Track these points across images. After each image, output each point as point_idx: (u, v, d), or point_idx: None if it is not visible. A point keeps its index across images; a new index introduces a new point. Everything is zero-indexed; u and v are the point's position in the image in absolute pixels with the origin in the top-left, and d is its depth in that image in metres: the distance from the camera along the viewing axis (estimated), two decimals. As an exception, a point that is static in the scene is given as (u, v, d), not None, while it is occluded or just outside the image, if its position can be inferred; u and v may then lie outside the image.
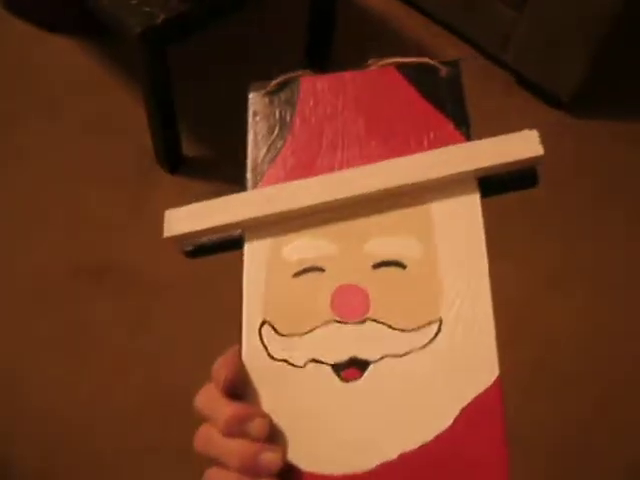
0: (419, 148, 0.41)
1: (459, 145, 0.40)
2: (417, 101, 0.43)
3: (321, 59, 1.94)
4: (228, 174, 1.75)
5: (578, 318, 1.56)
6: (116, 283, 1.56)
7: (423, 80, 0.43)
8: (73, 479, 1.32)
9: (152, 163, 1.75)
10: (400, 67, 0.44)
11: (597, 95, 1.97)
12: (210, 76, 1.95)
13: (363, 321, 0.37)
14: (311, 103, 0.44)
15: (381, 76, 0.44)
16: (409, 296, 0.38)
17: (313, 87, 0.44)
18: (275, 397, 0.37)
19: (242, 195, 0.42)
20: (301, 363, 0.37)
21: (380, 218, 0.39)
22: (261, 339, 0.38)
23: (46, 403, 1.39)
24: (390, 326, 0.37)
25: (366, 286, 0.38)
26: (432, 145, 0.41)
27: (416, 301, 0.38)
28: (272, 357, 0.38)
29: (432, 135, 0.41)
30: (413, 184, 0.39)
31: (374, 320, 0.37)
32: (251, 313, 0.39)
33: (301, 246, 0.40)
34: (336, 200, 0.40)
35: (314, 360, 0.37)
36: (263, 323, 0.39)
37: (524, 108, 1.93)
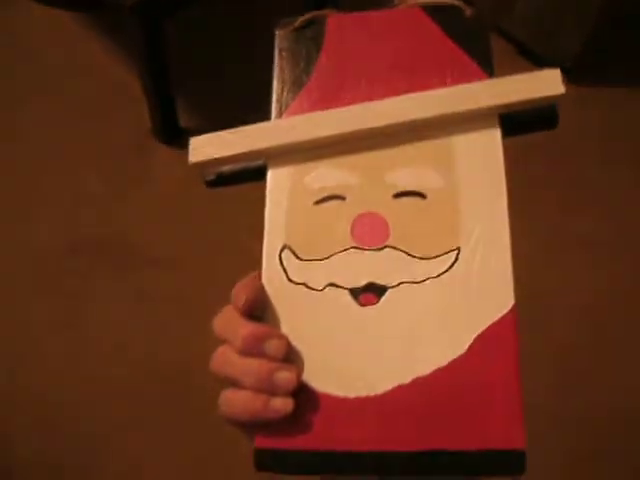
0: (442, 84, 0.41)
1: (482, 82, 0.41)
2: (442, 40, 0.43)
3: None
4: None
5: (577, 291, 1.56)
6: (116, 257, 1.56)
7: (448, 20, 0.43)
8: (73, 458, 1.32)
9: (149, 136, 1.73)
10: (426, 7, 0.44)
11: (599, 62, 1.95)
12: (207, 44, 1.92)
13: (382, 248, 0.38)
14: (337, 40, 0.44)
15: (407, 15, 0.44)
16: (428, 225, 0.38)
17: (339, 25, 0.45)
18: (293, 319, 0.38)
19: (266, 124, 0.42)
20: (319, 287, 0.38)
21: (402, 150, 0.40)
22: (281, 263, 0.39)
23: (46, 380, 1.39)
24: (408, 253, 0.37)
25: (386, 215, 0.38)
26: (455, 82, 0.41)
27: (435, 230, 0.38)
28: (291, 280, 0.38)
29: (456, 73, 0.41)
30: (435, 117, 0.39)
31: (393, 247, 0.37)
32: (272, 238, 0.40)
33: (323, 175, 0.40)
34: (359, 131, 0.40)
35: (332, 284, 0.37)
36: (284, 248, 0.39)
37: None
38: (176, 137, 1.72)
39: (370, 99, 0.41)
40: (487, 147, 0.40)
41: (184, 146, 1.68)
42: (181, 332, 1.45)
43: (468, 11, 0.43)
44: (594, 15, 1.70)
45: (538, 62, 1.92)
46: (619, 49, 2.00)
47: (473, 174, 0.39)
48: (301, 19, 0.46)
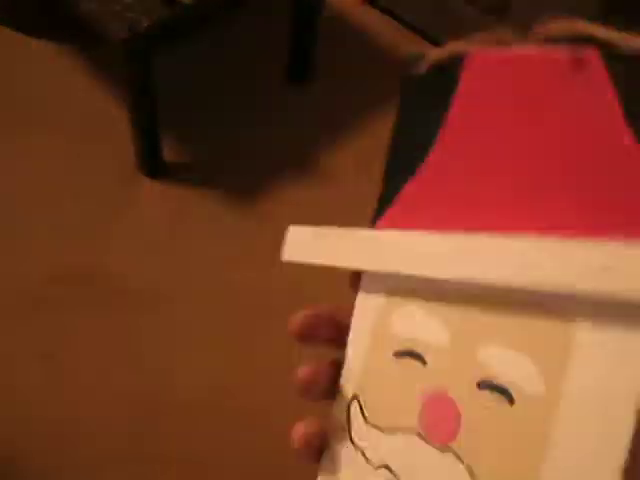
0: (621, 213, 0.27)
1: None
2: (619, 118, 0.28)
3: (303, 69, 1.96)
4: (208, 179, 1.77)
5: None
6: (99, 290, 1.56)
7: (630, 79, 0.28)
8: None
9: (133, 169, 1.75)
10: (604, 51, 0.28)
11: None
12: (192, 84, 1.95)
13: (445, 448, 0.31)
14: (471, 100, 0.31)
15: (578, 64, 0.28)
16: (504, 444, 0.29)
17: (477, 75, 0.31)
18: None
19: (364, 234, 0.34)
20: (375, 463, 0.34)
21: (510, 319, 0.29)
22: (348, 416, 0.35)
23: (23, 411, 1.39)
24: (471, 472, 0.30)
25: (463, 406, 0.31)
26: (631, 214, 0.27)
27: (510, 454, 0.28)
28: (352, 441, 0.34)
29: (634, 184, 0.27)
30: (571, 292, 0.26)
31: (457, 456, 0.30)
32: (346, 380, 0.35)
33: (412, 318, 0.33)
34: (469, 280, 0.29)
35: (387, 467, 0.33)
36: (353, 398, 0.35)
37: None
38: (161, 171, 1.74)
39: (503, 215, 0.29)
40: (627, 357, 0.25)
41: (168, 180, 1.72)
42: (162, 365, 1.45)
43: None
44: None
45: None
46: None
47: (590, 392, 0.26)
48: (432, 58, 0.33)
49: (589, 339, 0.26)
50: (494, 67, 0.30)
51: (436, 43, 2.10)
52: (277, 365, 1.49)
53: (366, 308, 0.35)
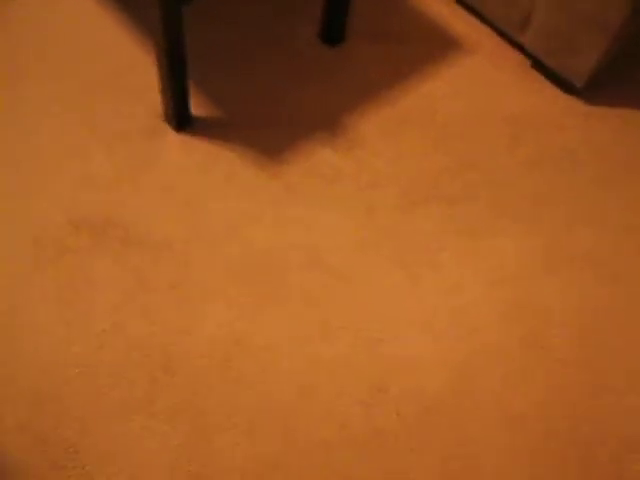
0: None
1: None
2: None
3: (337, 31, 1.93)
4: (231, 136, 1.76)
5: (579, 300, 1.57)
6: (118, 239, 1.57)
7: None
8: (60, 433, 1.34)
9: (159, 121, 1.74)
10: None
11: (611, 82, 1.96)
12: (223, 39, 1.93)
13: None
14: None
15: None
16: None
17: None
18: None
19: None
20: None
21: None
22: None
23: (40, 357, 1.41)
24: None
25: None
26: None
27: None
28: None
29: None
30: None
31: None
32: None
33: None
34: None
35: None
36: None
37: (537, 90, 1.91)
38: (187, 124, 1.73)
39: None
40: None
41: (194, 133, 1.71)
42: (177, 317, 1.46)
43: None
44: (610, 35, 1.70)
45: (550, 77, 1.92)
46: (633, 69, 2.01)
47: None
48: None
49: None
50: None
51: (483, 21, 2.06)
52: (292, 319, 1.50)
53: None
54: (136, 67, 1.85)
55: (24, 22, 1.92)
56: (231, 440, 1.35)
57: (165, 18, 1.45)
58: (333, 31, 1.92)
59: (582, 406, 1.45)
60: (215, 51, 1.91)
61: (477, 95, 1.90)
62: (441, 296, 1.56)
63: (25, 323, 1.44)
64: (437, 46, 1.99)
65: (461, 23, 2.05)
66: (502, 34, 2.03)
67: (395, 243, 1.62)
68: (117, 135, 1.72)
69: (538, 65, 1.95)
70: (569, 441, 1.41)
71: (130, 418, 1.36)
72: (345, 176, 1.71)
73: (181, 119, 1.72)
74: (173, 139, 1.72)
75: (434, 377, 1.45)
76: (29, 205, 1.60)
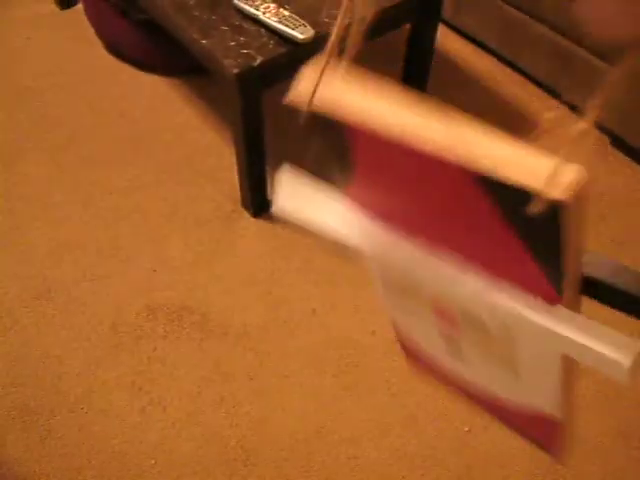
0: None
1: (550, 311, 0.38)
2: (499, 227, 0.35)
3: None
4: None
5: None
6: (194, 326, 1.55)
7: (512, 205, 0.33)
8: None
9: (236, 206, 1.75)
10: (486, 179, 0.33)
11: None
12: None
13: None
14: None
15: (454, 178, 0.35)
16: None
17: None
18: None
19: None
20: None
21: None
22: None
23: (114, 445, 1.38)
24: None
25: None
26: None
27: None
28: None
29: (514, 277, 0.37)
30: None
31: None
32: None
33: None
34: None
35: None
36: None
37: (617, 168, 1.87)
38: (264, 210, 1.74)
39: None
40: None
41: (271, 219, 1.69)
42: (254, 408, 1.42)
43: (539, 204, 0.32)
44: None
45: (631, 154, 1.88)
46: None
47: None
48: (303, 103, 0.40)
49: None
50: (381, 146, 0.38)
51: (556, 96, 2.05)
52: (375, 410, 1.43)
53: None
54: (213, 151, 1.88)
55: (107, 107, 1.99)
56: (314, 540, 1.28)
57: (245, 107, 1.47)
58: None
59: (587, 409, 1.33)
60: (293, 137, 1.93)
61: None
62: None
63: (100, 408, 1.43)
64: (514, 126, 1.97)
65: (536, 101, 2.04)
66: (578, 111, 2.00)
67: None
68: (194, 220, 1.74)
69: (618, 143, 1.91)
70: None
71: None
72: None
73: (259, 205, 1.72)
74: (250, 224, 1.72)
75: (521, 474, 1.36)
76: (108, 289, 1.61)
